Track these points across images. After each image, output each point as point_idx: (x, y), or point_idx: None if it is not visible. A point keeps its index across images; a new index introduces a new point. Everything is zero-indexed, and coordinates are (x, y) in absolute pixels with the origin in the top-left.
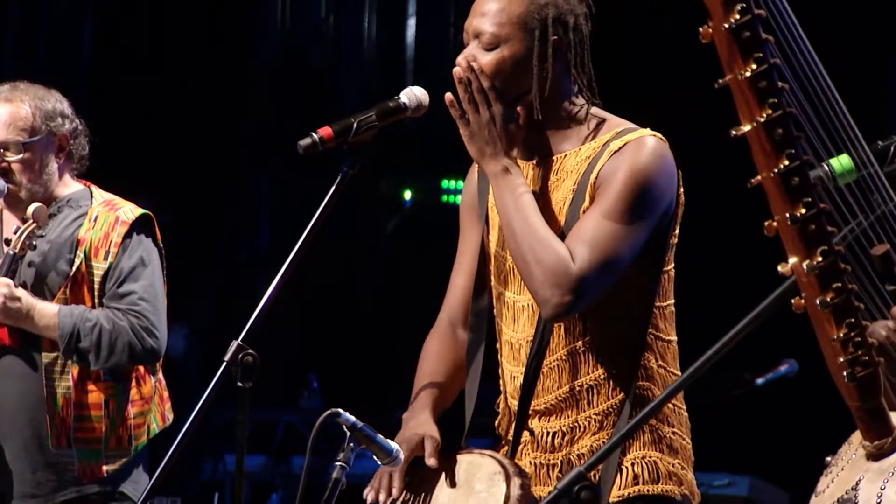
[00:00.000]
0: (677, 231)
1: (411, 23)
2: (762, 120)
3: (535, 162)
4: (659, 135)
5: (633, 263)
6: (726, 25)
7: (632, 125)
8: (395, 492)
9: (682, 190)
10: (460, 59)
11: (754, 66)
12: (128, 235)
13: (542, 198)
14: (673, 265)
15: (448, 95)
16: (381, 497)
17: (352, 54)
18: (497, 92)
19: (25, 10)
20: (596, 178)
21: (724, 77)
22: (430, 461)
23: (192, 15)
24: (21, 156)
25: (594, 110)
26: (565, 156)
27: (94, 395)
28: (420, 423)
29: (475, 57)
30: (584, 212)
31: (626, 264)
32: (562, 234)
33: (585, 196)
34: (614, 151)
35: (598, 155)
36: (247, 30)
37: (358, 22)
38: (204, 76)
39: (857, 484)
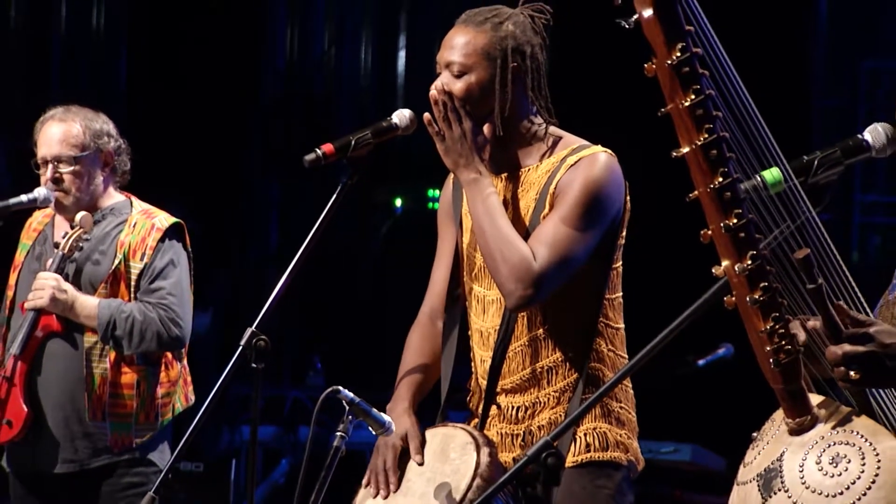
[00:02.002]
0: (624, 233)
1: (402, 55)
2: (699, 143)
3: (503, 176)
4: (609, 151)
5: (587, 261)
6: (669, 62)
7: (586, 142)
8: (392, 487)
9: (628, 198)
10: (435, 85)
11: (693, 97)
12: (161, 240)
13: (509, 206)
14: (621, 263)
15: (426, 115)
16: (383, 494)
17: (350, 82)
18: (467, 112)
19: (70, 45)
20: (555, 188)
21: (667, 106)
22: (417, 458)
23: (211, 49)
24: (72, 168)
25: (552, 129)
26: (528, 170)
27: (128, 377)
28: (400, 418)
29: (447, 84)
30: (544, 217)
31: (580, 262)
32: (526, 237)
33: (546, 204)
34: (571, 165)
35: (556, 168)
36: (259, 61)
37: (356, 54)
38: (222, 101)
39: (781, 455)
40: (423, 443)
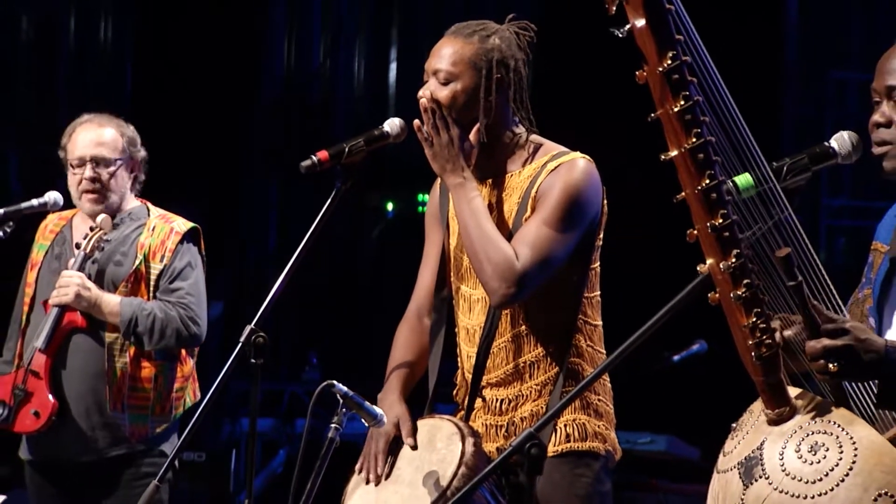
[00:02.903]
0: (602, 235)
1: (393, 66)
2: (688, 147)
3: (488, 181)
4: (588, 157)
5: (566, 261)
6: (660, 69)
7: (565, 149)
8: (381, 471)
9: (605, 202)
10: (422, 91)
11: (682, 103)
12: (180, 243)
13: (494, 209)
14: (598, 263)
15: (416, 122)
16: (372, 477)
17: (344, 91)
18: (454, 119)
19: (78, 56)
20: (536, 192)
21: (657, 111)
22: (409, 441)
23: (214, 59)
24: (109, 169)
25: (533, 137)
26: (511, 175)
27: (147, 371)
28: (392, 405)
29: (434, 91)
30: (526, 220)
31: (560, 262)
32: (509, 238)
33: (528, 207)
34: (551, 170)
35: (537, 174)
36: (259, 71)
37: (350, 65)
38: (224, 108)
39: (761, 444)
40: (413, 427)
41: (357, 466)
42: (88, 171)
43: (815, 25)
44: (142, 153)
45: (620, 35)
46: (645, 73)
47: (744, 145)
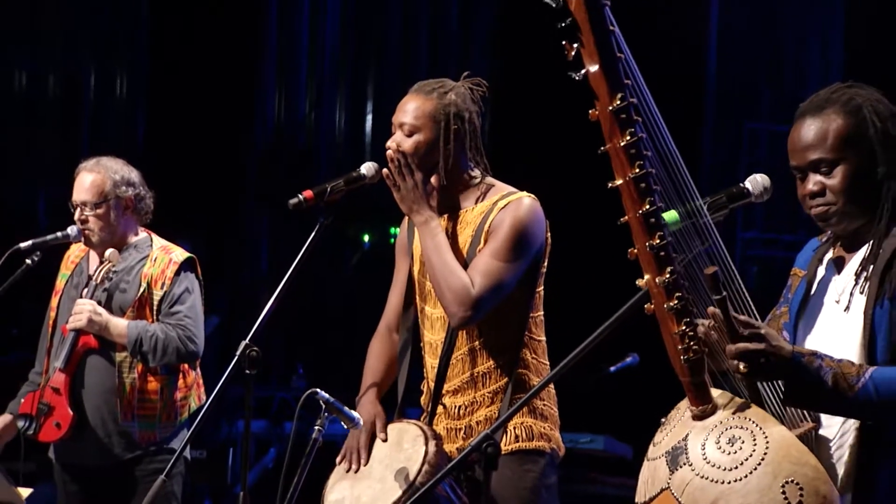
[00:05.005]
0: (546, 263)
1: (369, 117)
2: (631, 176)
3: (446, 217)
4: (533, 196)
5: (515, 286)
6: (610, 108)
7: (513, 189)
8: (363, 463)
9: (549, 235)
10: (390, 142)
11: (628, 139)
12: (178, 273)
13: (452, 241)
14: (542, 287)
15: (384, 170)
16: (354, 468)
17: (327, 139)
18: (417, 166)
19: (97, 110)
20: (488, 226)
21: (606, 146)
22: (381, 435)
23: (215, 111)
24: (94, 211)
25: (486, 179)
26: (466, 211)
27: (153, 384)
28: (367, 405)
29: (399, 142)
30: (479, 251)
31: (510, 288)
32: (465, 265)
33: (481, 239)
34: (501, 208)
35: (489, 210)
36: (253, 121)
37: (332, 116)
38: (224, 152)
39: (686, 436)
40: (386, 423)
41: (338, 458)
42: (77, 213)
43: (731, 84)
44: (132, 192)
45: (577, 78)
46: (597, 112)
47: (680, 179)
